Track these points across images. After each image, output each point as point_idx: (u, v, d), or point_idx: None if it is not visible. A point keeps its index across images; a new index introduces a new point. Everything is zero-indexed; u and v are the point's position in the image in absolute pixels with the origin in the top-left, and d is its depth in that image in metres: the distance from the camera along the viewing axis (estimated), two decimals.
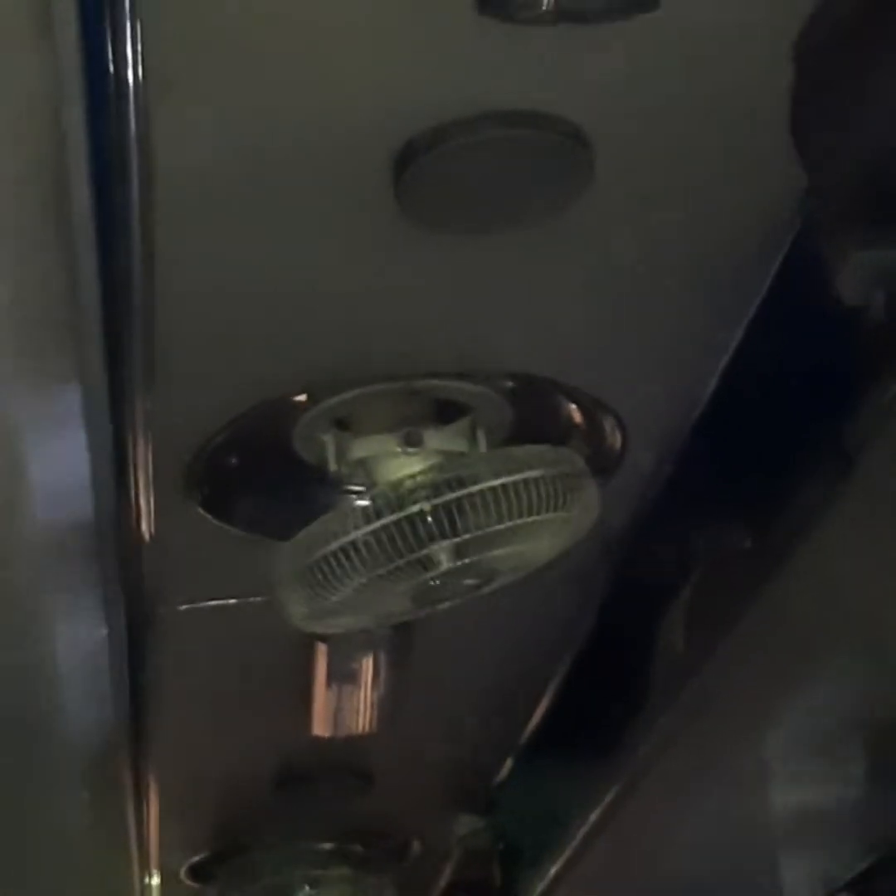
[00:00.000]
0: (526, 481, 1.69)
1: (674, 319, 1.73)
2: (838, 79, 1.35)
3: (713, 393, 1.86)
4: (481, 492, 1.67)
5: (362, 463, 1.81)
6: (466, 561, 1.72)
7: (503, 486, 1.68)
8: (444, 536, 1.68)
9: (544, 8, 1.23)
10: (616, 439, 1.93)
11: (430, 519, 1.67)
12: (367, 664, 2.48)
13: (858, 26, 1.31)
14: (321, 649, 2.41)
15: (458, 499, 1.67)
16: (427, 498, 1.68)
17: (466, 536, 1.68)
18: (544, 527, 1.74)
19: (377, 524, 1.68)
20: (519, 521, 1.69)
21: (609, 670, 2.51)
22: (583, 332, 1.75)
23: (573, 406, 1.87)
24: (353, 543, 1.68)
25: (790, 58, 1.35)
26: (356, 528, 1.69)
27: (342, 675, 2.48)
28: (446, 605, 1.85)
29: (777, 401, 1.85)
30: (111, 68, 1.27)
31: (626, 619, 2.38)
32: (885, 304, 1.47)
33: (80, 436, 1.72)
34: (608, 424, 1.90)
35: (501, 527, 1.69)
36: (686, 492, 2.07)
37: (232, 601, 2.20)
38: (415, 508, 1.67)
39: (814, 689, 2.19)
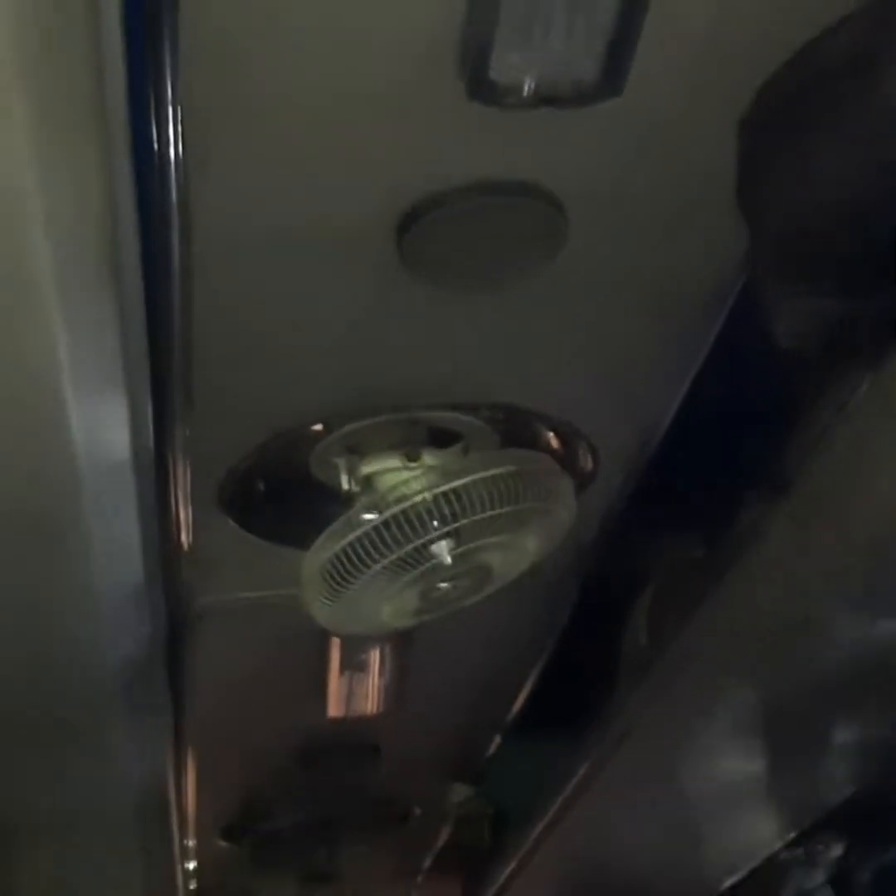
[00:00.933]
0: (512, 473, 1.69)
1: (638, 360, 1.74)
2: (777, 153, 1.37)
3: (672, 422, 1.86)
4: (473, 482, 1.67)
5: (369, 479, 1.81)
6: (466, 547, 1.72)
7: (492, 476, 1.67)
8: (443, 522, 1.67)
9: (525, 94, 1.25)
10: (588, 462, 1.93)
11: (431, 509, 1.67)
12: (375, 655, 2.48)
13: (794, 108, 1.32)
14: (335, 642, 2.41)
15: (453, 490, 1.67)
16: (426, 490, 1.68)
17: (464, 522, 1.68)
18: (529, 517, 1.73)
19: (387, 514, 1.68)
20: (507, 509, 1.68)
21: (583, 660, 2.51)
22: (560, 370, 1.75)
23: (551, 433, 1.87)
24: (366, 535, 1.68)
25: (736, 135, 1.36)
26: (365, 523, 1.69)
27: (353, 665, 2.48)
28: (449, 607, 1.86)
29: (727, 430, 1.86)
30: (156, 146, 1.29)
31: (597, 618, 2.37)
32: (817, 346, 1.48)
33: (127, 459, 1.72)
34: (581, 449, 1.90)
35: (492, 513, 1.68)
36: (648, 508, 2.07)
37: (258, 601, 2.19)
38: (417, 499, 1.67)
39: (758, 675, 2.19)
